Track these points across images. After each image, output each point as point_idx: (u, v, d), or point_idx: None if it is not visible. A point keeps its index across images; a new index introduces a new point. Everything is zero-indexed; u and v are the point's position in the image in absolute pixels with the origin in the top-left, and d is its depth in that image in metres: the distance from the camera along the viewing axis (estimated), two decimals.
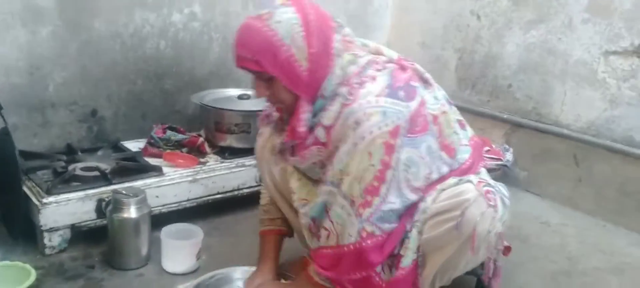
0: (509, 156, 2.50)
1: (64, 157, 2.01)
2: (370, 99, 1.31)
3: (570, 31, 2.34)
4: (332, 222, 1.39)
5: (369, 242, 1.35)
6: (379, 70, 1.37)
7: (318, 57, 1.33)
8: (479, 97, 2.71)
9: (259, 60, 1.31)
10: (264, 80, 1.36)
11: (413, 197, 1.36)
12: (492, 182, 1.40)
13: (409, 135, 1.32)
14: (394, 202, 1.34)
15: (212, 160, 2.14)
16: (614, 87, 2.24)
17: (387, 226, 1.35)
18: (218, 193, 2.07)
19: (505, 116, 2.61)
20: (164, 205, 1.94)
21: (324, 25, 1.35)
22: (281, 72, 1.32)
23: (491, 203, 1.31)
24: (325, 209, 1.41)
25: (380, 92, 1.32)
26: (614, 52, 2.23)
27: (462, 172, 1.42)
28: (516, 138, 2.57)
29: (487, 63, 2.66)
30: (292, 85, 1.34)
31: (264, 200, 1.72)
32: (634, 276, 1.94)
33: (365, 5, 2.90)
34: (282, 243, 1.69)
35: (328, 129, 1.36)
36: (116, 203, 1.70)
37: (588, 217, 2.33)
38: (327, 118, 1.36)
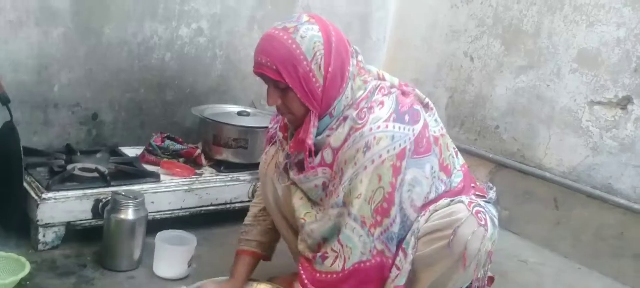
0: (492, 194, 2.57)
1: (63, 156, 2.05)
2: (380, 124, 1.38)
3: (559, 79, 2.46)
4: (341, 245, 1.42)
5: (378, 259, 1.42)
6: (385, 95, 1.44)
7: (333, 76, 1.40)
8: (467, 135, 2.81)
9: (279, 69, 1.37)
10: (280, 89, 1.42)
11: (413, 216, 1.43)
12: (482, 202, 1.48)
13: (414, 156, 1.40)
14: (398, 223, 1.42)
15: (208, 172, 2.19)
16: (596, 136, 2.35)
17: (393, 246, 1.43)
18: (211, 204, 2.12)
19: (490, 155, 2.71)
20: (158, 212, 1.98)
21: (343, 48, 1.43)
22: (298, 85, 1.39)
23: (482, 222, 1.39)
24: (335, 232, 1.44)
25: (388, 117, 1.39)
26: (599, 103, 2.34)
27: (455, 193, 1.49)
28: (500, 177, 2.66)
29: (477, 103, 2.77)
30: (306, 98, 1.40)
31: (247, 219, 1.75)
32: None
33: (364, 38, 3.01)
34: (255, 265, 1.71)
35: (336, 150, 1.43)
36: (115, 204, 1.75)
37: (564, 259, 2.41)
38: (335, 139, 1.43)
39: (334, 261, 1.43)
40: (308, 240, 1.50)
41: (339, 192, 1.42)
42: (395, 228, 1.41)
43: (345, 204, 1.41)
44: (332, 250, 1.44)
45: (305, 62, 1.37)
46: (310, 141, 1.43)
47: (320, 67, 1.39)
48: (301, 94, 1.40)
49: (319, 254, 1.47)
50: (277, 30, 1.40)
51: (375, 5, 3.01)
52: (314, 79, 1.39)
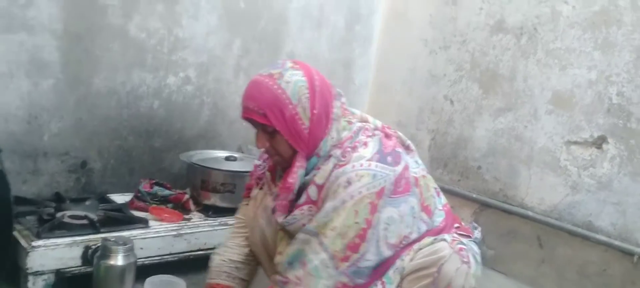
0: (477, 234, 2.61)
1: (53, 205, 2.06)
2: (363, 162, 1.43)
3: (536, 120, 2.55)
4: (305, 271, 1.44)
5: None
6: (369, 136, 1.50)
7: (319, 118, 1.46)
8: (450, 176, 2.87)
9: (266, 113, 1.43)
10: (268, 133, 1.48)
11: (388, 253, 1.46)
12: (464, 240, 1.52)
13: (392, 196, 1.44)
14: (370, 260, 1.44)
15: (196, 217, 2.21)
16: (575, 175, 2.43)
17: (360, 281, 1.45)
18: (200, 249, 2.13)
19: (474, 196, 2.77)
20: (147, 257, 1.99)
21: (327, 91, 1.50)
22: (285, 127, 1.44)
23: (465, 260, 1.43)
24: (299, 258, 1.46)
25: (371, 156, 1.44)
26: (575, 142, 2.43)
27: (437, 232, 1.54)
28: (484, 217, 2.71)
29: (459, 145, 2.84)
30: (293, 140, 1.46)
31: (214, 262, 1.74)
32: None
33: (347, 83, 3.09)
34: None
35: (320, 187, 1.47)
36: (104, 250, 1.75)
37: None
38: (320, 177, 1.47)
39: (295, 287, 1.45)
40: (278, 267, 1.52)
41: (313, 220, 1.45)
42: (364, 264, 1.44)
43: (317, 234, 1.44)
44: (296, 277, 1.45)
45: (291, 106, 1.43)
46: (292, 181, 1.47)
47: (305, 110, 1.45)
48: (288, 136, 1.45)
49: (280, 279, 1.48)
50: (263, 77, 1.46)
51: (358, 52, 3.11)
52: (300, 121, 1.45)
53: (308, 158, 1.49)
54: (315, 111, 1.45)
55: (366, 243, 1.42)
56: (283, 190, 1.51)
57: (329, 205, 1.43)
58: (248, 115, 1.47)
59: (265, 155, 1.66)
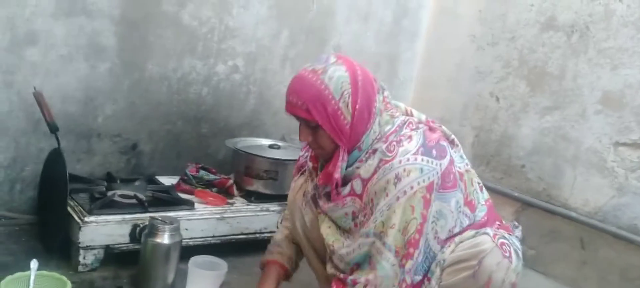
0: (518, 233, 2.59)
1: (104, 184, 2.16)
2: (409, 156, 1.44)
3: (584, 120, 2.50)
4: (376, 275, 1.46)
5: None
6: (413, 130, 1.51)
7: (361, 113, 1.48)
8: (492, 174, 2.85)
9: (309, 109, 1.46)
10: (310, 127, 1.51)
11: (436, 248, 1.48)
12: (506, 235, 1.52)
13: (441, 190, 1.45)
14: (422, 254, 1.46)
15: (239, 202, 2.27)
16: (621, 177, 2.37)
17: (417, 278, 1.47)
18: (242, 233, 2.19)
19: (516, 194, 2.73)
20: (191, 238, 2.06)
21: (369, 86, 1.51)
22: (327, 123, 1.47)
23: (506, 254, 1.43)
24: (368, 260, 1.49)
25: (416, 150, 1.46)
26: (624, 144, 2.37)
27: (479, 226, 1.54)
28: (526, 216, 2.68)
29: (503, 142, 2.82)
30: (335, 135, 1.48)
31: (277, 236, 1.82)
32: None
33: (391, 77, 3.10)
34: (281, 279, 1.77)
35: (365, 181, 1.49)
36: (152, 229, 1.83)
37: None
38: (365, 171, 1.50)
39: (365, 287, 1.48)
40: (340, 265, 1.56)
41: (371, 223, 1.47)
42: (421, 259, 1.46)
43: (379, 235, 1.46)
44: (366, 279, 1.48)
45: (333, 101, 1.45)
46: (338, 175, 1.50)
47: (348, 105, 1.47)
48: (330, 131, 1.48)
49: (350, 277, 1.51)
50: (307, 72, 1.49)
51: (403, 47, 3.11)
52: (342, 117, 1.47)
53: (350, 152, 1.52)
54: (357, 106, 1.47)
55: (424, 238, 1.45)
56: (324, 180, 1.54)
57: (382, 203, 1.45)
58: (292, 110, 1.50)
59: (308, 147, 1.69)
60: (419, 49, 3.18)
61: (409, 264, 1.44)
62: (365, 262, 1.50)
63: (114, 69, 2.26)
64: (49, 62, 2.12)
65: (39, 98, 1.95)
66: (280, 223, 1.94)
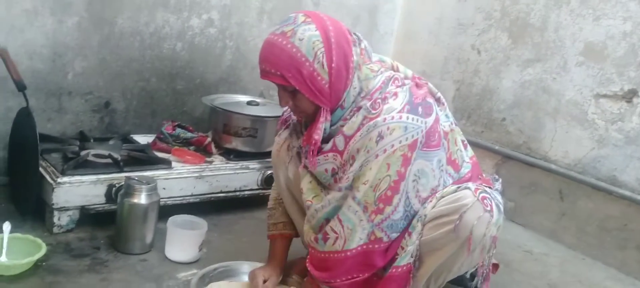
0: (498, 186, 2.60)
1: (77, 143, 2.09)
2: (394, 114, 1.41)
3: (565, 72, 2.48)
4: (342, 226, 1.46)
5: (376, 246, 1.45)
6: (398, 86, 1.47)
7: (338, 71, 1.43)
8: (473, 127, 2.84)
9: (284, 75, 1.41)
10: (288, 92, 1.47)
11: (418, 206, 1.47)
12: (488, 189, 1.51)
13: (424, 148, 1.43)
14: (401, 212, 1.45)
15: (218, 160, 2.23)
16: (602, 129, 2.38)
17: (394, 234, 1.46)
18: (221, 191, 2.16)
19: (497, 148, 2.73)
20: (169, 198, 2.02)
21: (343, 40, 1.45)
22: (304, 86, 1.42)
23: (487, 208, 1.42)
24: (336, 213, 1.48)
25: (401, 108, 1.42)
26: (605, 96, 2.37)
27: (462, 182, 1.52)
28: (506, 169, 2.69)
29: (484, 96, 2.80)
30: (314, 97, 1.44)
31: (269, 203, 1.80)
32: None
33: (372, 30, 3.04)
34: (289, 244, 1.76)
35: (348, 138, 1.46)
36: (128, 189, 1.79)
37: (569, 250, 2.44)
38: (349, 128, 1.46)
39: (335, 241, 1.47)
40: (312, 221, 1.55)
41: (349, 177, 1.45)
42: (397, 216, 1.45)
43: (351, 188, 1.45)
44: (332, 230, 1.48)
45: (307, 63, 1.40)
46: (317, 137, 1.47)
47: (323, 65, 1.41)
48: (309, 94, 1.43)
49: (319, 235, 1.51)
50: (276, 36, 1.43)
51: None
52: (319, 77, 1.42)
53: (332, 111, 1.48)
54: (333, 65, 1.42)
55: (399, 196, 1.43)
56: (307, 142, 1.51)
57: (362, 159, 1.42)
58: (266, 77, 1.45)
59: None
60: (399, 1, 3.12)
61: (378, 218, 1.43)
62: (332, 215, 1.49)
63: (82, 23, 2.16)
64: (12, 17, 2.03)
65: (4, 55, 1.88)
66: (261, 185, 1.90)
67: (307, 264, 1.56)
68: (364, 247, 1.45)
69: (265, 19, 2.60)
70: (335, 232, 1.47)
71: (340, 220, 1.47)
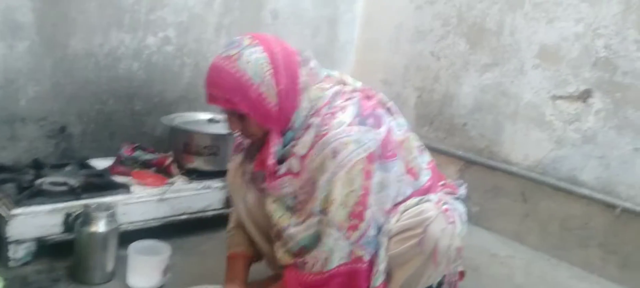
0: (462, 190, 2.62)
1: (32, 171, 2.03)
2: (344, 128, 1.40)
3: (522, 75, 2.52)
4: (321, 251, 1.42)
5: (359, 265, 1.43)
6: (347, 99, 1.47)
7: (286, 93, 1.42)
8: (436, 133, 2.86)
9: (231, 99, 1.39)
10: (236, 117, 1.45)
11: (381, 219, 1.46)
12: (449, 200, 1.52)
13: (381, 160, 1.42)
14: (374, 227, 1.43)
15: (180, 181, 2.19)
16: (560, 129, 2.42)
17: (371, 250, 1.44)
18: (184, 213, 2.12)
19: (460, 153, 2.76)
20: (130, 223, 1.97)
21: (290, 61, 1.44)
22: (252, 109, 1.41)
23: (450, 220, 1.43)
24: (313, 239, 1.44)
25: (351, 121, 1.41)
26: (561, 97, 2.41)
27: (423, 192, 1.53)
28: (469, 174, 2.72)
29: (445, 102, 2.82)
30: (263, 120, 1.43)
31: (230, 224, 1.76)
32: None
33: (332, 40, 3.04)
34: (249, 266, 1.72)
35: (302, 158, 1.44)
36: (86, 217, 1.74)
37: (534, 251, 2.48)
38: (301, 147, 1.44)
39: (313, 266, 1.44)
40: (288, 243, 1.49)
41: (315, 200, 1.42)
42: (372, 233, 1.43)
43: (324, 211, 1.42)
44: (313, 257, 1.44)
45: (254, 87, 1.39)
46: (271, 162, 1.45)
47: (270, 87, 1.40)
48: (257, 118, 1.42)
49: (299, 260, 1.47)
50: (221, 60, 1.41)
51: (343, 8, 3.04)
52: (267, 100, 1.41)
53: (283, 133, 1.46)
54: (281, 87, 1.41)
55: (369, 210, 1.41)
56: (259, 166, 1.49)
57: (323, 179, 1.40)
58: (213, 102, 1.44)
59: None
60: (359, 11, 3.13)
61: (354, 235, 1.41)
62: (313, 243, 1.45)
63: (33, 47, 2.10)
64: None
65: None
66: (226, 205, 1.87)
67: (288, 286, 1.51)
68: (348, 266, 1.42)
69: (223, 33, 2.58)
70: (315, 257, 1.44)
71: (316, 244, 1.43)
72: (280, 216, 1.52)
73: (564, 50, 2.39)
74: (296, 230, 1.48)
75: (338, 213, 1.40)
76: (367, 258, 1.43)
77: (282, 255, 1.52)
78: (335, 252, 1.42)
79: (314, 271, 1.44)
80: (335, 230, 1.41)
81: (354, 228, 1.41)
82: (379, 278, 1.45)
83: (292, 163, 1.46)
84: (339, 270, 1.43)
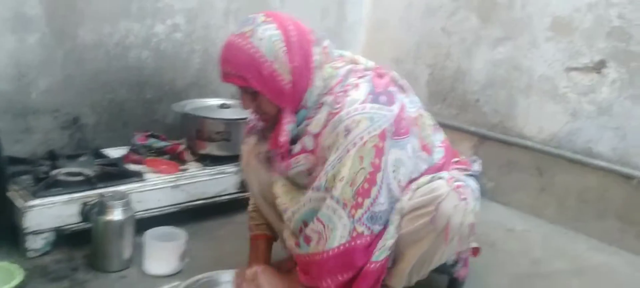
0: (477, 167, 2.61)
1: (47, 163, 2.05)
2: (357, 106, 1.39)
3: (535, 48, 2.49)
4: (322, 224, 1.42)
5: (358, 242, 1.42)
6: (360, 77, 1.46)
7: (299, 70, 1.41)
8: (448, 110, 2.84)
9: (244, 76, 1.39)
10: (250, 94, 1.45)
11: (400, 196, 1.45)
12: (462, 177, 1.50)
13: (394, 137, 1.41)
14: (383, 203, 1.42)
15: (193, 167, 2.19)
16: (574, 102, 2.39)
17: (376, 227, 1.43)
18: (199, 199, 2.13)
19: (473, 129, 2.74)
20: (146, 210, 1.99)
21: (304, 39, 1.44)
22: (265, 87, 1.40)
23: (462, 196, 1.42)
24: (316, 215, 1.44)
25: (364, 98, 1.40)
26: (575, 69, 2.37)
27: (436, 169, 1.52)
28: (483, 150, 2.70)
29: (457, 78, 2.79)
30: (276, 98, 1.42)
31: (250, 206, 1.78)
32: (593, 277, 2.06)
33: (340, 21, 3.01)
34: (271, 247, 1.74)
35: (316, 136, 1.44)
36: (101, 206, 1.75)
37: (550, 224, 2.46)
38: (314, 126, 1.44)
39: (317, 242, 1.44)
40: (290, 224, 1.52)
41: (322, 177, 1.43)
42: (378, 208, 1.42)
43: (328, 188, 1.42)
44: (314, 231, 1.45)
45: (267, 64, 1.38)
46: (283, 139, 1.45)
47: (283, 65, 1.40)
48: (270, 95, 1.42)
49: (301, 237, 1.49)
50: (235, 37, 1.41)
51: None
52: (279, 78, 1.40)
53: (295, 112, 1.46)
54: (294, 64, 1.40)
55: (376, 187, 1.40)
56: (273, 145, 1.49)
57: (333, 157, 1.40)
58: (227, 79, 1.43)
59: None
60: None
61: (358, 213, 1.40)
62: (310, 218, 1.45)
63: (44, 39, 2.11)
64: None
65: None
66: (240, 189, 1.88)
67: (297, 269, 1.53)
68: (346, 245, 1.42)
69: (231, 19, 2.57)
70: (317, 232, 1.45)
71: (320, 221, 1.43)
72: (288, 199, 1.54)
73: (576, 21, 2.35)
74: (296, 208, 1.49)
75: (345, 191, 1.39)
76: (367, 234, 1.42)
77: (288, 236, 1.54)
78: (337, 229, 1.41)
79: (317, 250, 1.44)
80: (339, 207, 1.40)
81: (359, 206, 1.40)
82: (382, 253, 1.43)
83: (306, 141, 1.46)
84: (341, 249, 1.42)
